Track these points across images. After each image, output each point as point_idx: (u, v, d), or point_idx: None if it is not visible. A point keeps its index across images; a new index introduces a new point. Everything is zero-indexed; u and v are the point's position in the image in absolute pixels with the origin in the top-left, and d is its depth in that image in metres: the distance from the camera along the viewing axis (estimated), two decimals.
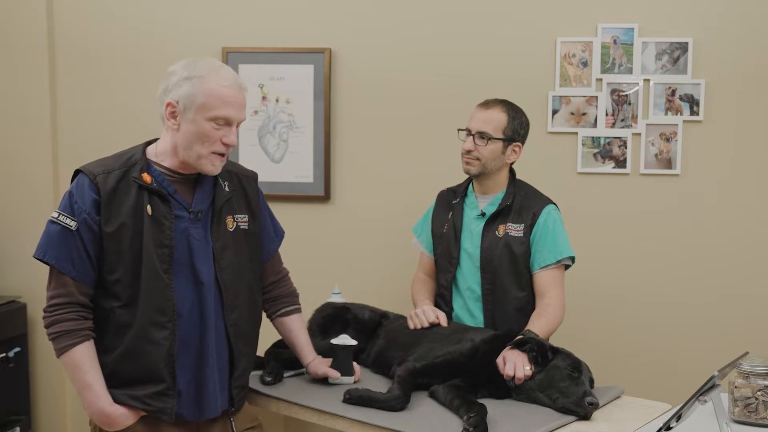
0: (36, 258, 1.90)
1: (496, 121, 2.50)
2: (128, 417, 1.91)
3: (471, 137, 2.50)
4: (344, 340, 2.28)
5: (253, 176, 2.17)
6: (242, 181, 2.11)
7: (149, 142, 2.02)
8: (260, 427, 2.16)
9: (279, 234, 2.27)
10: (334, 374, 2.24)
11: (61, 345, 1.87)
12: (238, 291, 2.04)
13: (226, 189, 2.03)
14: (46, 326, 1.89)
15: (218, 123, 1.89)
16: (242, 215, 2.08)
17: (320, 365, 2.26)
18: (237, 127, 1.96)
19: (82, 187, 1.89)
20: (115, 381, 1.91)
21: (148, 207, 1.89)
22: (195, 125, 1.88)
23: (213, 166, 1.94)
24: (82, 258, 1.87)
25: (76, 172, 1.94)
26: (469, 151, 2.50)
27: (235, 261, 2.04)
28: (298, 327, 2.29)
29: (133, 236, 1.88)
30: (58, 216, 1.88)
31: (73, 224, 1.86)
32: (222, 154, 1.94)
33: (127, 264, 1.88)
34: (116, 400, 1.90)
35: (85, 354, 1.87)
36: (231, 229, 2.04)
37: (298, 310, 2.31)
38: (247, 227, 2.09)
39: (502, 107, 2.52)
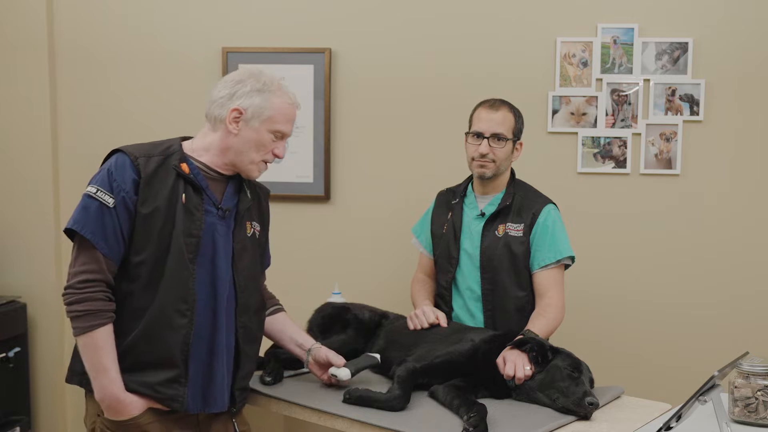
0: (69, 230, 1.89)
1: (508, 121, 2.51)
2: (137, 406, 1.91)
3: (485, 140, 2.49)
4: (373, 359, 2.28)
5: (268, 191, 2.26)
6: (259, 192, 2.19)
7: (184, 138, 2.08)
8: None
9: (269, 256, 2.30)
10: (338, 361, 2.21)
11: (85, 324, 1.86)
12: (251, 294, 2.09)
13: (249, 196, 2.10)
14: (72, 303, 1.86)
15: (276, 135, 2.03)
16: (257, 224, 2.15)
17: (328, 350, 2.24)
18: None
19: (123, 166, 1.91)
20: (126, 363, 1.91)
21: (183, 195, 1.94)
22: (257, 134, 2.00)
23: (258, 172, 2.06)
24: (116, 235, 1.89)
25: (114, 152, 1.97)
26: (484, 155, 2.49)
27: (251, 265, 2.10)
28: (289, 321, 2.31)
29: (165, 221, 1.91)
30: (96, 192, 1.89)
31: (111, 201, 1.88)
32: (268, 163, 2.07)
33: (154, 247, 1.91)
34: (127, 388, 1.90)
35: (107, 336, 1.88)
36: (249, 234, 2.10)
37: (283, 309, 2.34)
38: (258, 236, 2.15)
39: (508, 107, 2.53)
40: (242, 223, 2.07)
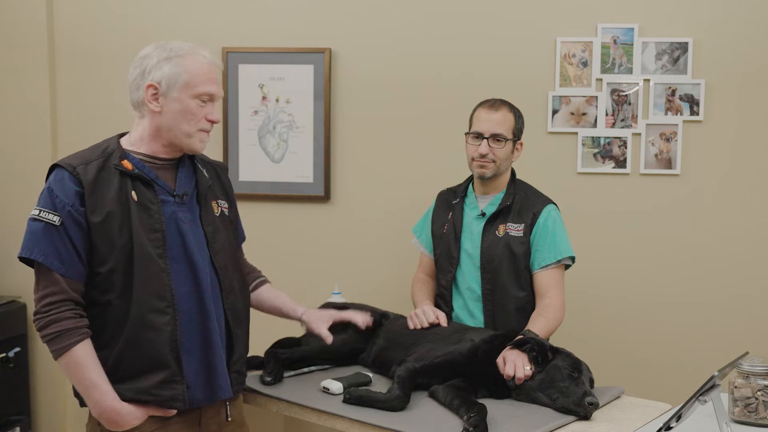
0: (22, 258, 1.85)
1: (508, 122, 2.50)
2: (137, 415, 1.87)
3: (485, 141, 2.49)
4: (365, 377, 2.29)
5: (225, 166, 2.21)
6: (217, 170, 2.14)
7: (121, 135, 2.01)
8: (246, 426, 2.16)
9: (242, 231, 2.28)
10: (356, 317, 2.31)
11: (60, 345, 1.81)
12: (233, 275, 2.05)
13: (206, 175, 2.05)
14: (41, 327, 1.82)
15: (202, 99, 1.92)
16: (223, 201, 2.10)
17: (320, 322, 2.24)
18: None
19: (62, 181, 1.84)
20: (118, 375, 1.86)
21: (133, 193, 1.88)
22: (180, 104, 1.90)
23: (201, 143, 1.96)
24: (69, 253, 1.83)
25: (52, 168, 1.89)
26: (484, 155, 2.49)
27: (227, 245, 2.05)
28: (275, 291, 2.30)
29: (122, 224, 1.85)
30: (39, 213, 1.83)
31: (56, 219, 1.82)
32: (207, 131, 1.96)
33: (119, 252, 1.85)
34: (123, 398, 1.86)
35: (86, 352, 1.83)
36: (217, 214, 2.05)
37: (268, 281, 2.33)
38: (227, 213, 2.11)
39: (508, 107, 2.53)
40: (207, 204, 2.01)
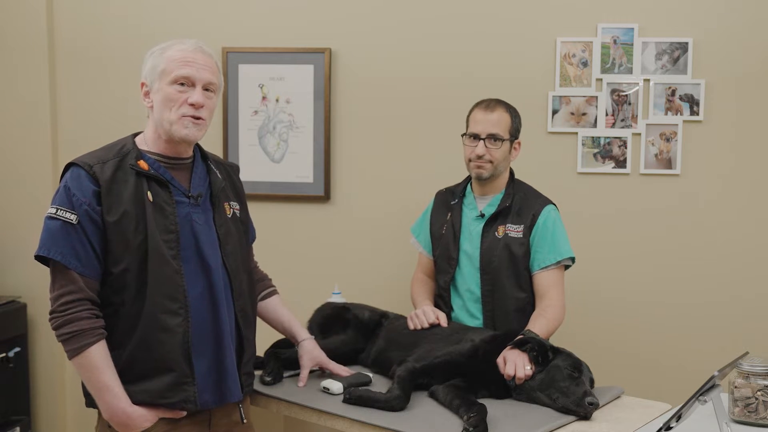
0: (38, 257, 1.84)
1: (504, 122, 2.50)
2: (149, 418, 1.87)
3: (481, 141, 2.49)
4: (365, 377, 2.30)
5: (237, 167, 2.22)
6: (229, 171, 2.15)
7: (136, 134, 2.02)
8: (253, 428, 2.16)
9: (254, 230, 2.29)
10: (341, 372, 2.26)
11: (75, 346, 1.81)
12: (242, 277, 2.05)
13: (219, 176, 2.05)
14: (57, 327, 1.82)
15: (180, 84, 1.91)
16: (235, 203, 2.11)
17: (321, 354, 2.28)
18: (214, 92, 1.97)
19: (79, 179, 1.84)
20: (129, 376, 1.86)
21: (149, 193, 1.88)
22: (161, 93, 1.91)
23: (186, 129, 1.91)
24: (87, 251, 1.83)
25: (68, 166, 1.89)
26: (481, 156, 2.49)
27: (238, 247, 2.06)
28: (281, 307, 2.32)
29: (137, 224, 1.85)
30: (56, 211, 1.83)
31: (73, 218, 1.82)
32: (193, 117, 1.92)
33: (133, 253, 1.85)
34: (134, 401, 1.86)
35: (101, 354, 1.83)
36: (229, 216, 2.06)
37: (277, 292, 2.34)
38: (239, 215, 2.11)
39: (504, 107, 2.53)
40: (220, 206, 2.02)
